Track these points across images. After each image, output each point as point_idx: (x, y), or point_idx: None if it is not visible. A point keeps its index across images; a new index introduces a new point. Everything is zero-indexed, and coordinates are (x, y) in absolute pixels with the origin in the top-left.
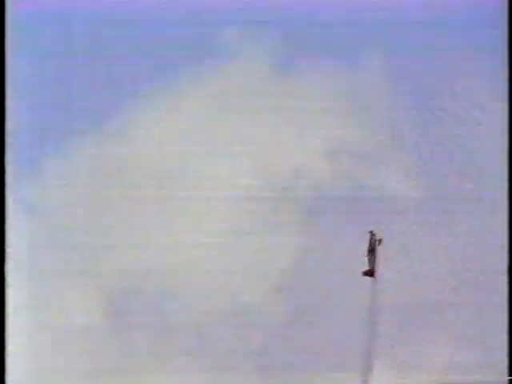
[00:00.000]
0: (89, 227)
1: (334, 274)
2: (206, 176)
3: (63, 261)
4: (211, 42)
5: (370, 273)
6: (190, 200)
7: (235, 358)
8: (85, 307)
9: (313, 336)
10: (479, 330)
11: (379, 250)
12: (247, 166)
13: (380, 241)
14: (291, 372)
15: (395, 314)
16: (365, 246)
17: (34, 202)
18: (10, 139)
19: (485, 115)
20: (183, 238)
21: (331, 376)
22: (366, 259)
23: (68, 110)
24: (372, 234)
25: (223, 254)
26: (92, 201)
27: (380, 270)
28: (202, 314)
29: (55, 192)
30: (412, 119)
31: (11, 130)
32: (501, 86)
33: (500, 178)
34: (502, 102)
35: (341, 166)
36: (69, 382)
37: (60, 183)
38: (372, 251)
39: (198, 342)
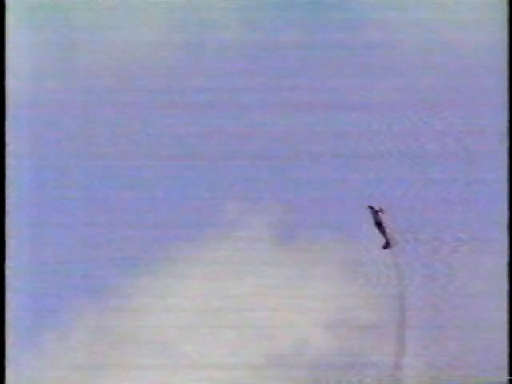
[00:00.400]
0: None
1: None
2: (205, 346)
3: None
4: (212, 213)
5: (387, 245)
6: (191, 367)
7: None
8: None
9: None
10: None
11: (384, 217)
12: (248, 337)
13: (382, 210)
14: None
15: None
16: None
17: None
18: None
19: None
20: None
21: None
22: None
23: (66, 281)
24: (371, 208)
25: None
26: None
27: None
28: None
29: (54, 364)
30: (415, 289)
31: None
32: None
33: None
34: None
35: (343, 340)
36: None
37: (59, 356)
38: (379, 224)
39: None
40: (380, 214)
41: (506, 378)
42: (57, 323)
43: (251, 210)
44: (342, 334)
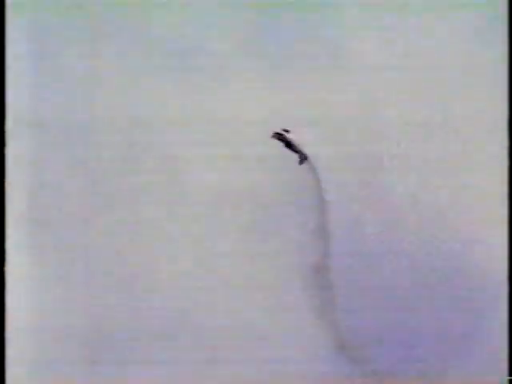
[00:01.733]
0: None
1: None
2: None
3: None
4: None
5: (303, 158)
6: None
7: None
8: None
9: None
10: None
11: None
12: None
13: (287, 130)
14: None
15: None
16: None
17: None
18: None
19: None
20: None
21: None
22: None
23: None
24: (277, 133)
25: None
26: None
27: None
28: None
29: None
30: None
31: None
32: None
33: None
34: None
35: None
36: None
37: None
38: (288, 144)
39: None
40: (286, 134)
41: (506, 378)
42: None
43: None
44: None
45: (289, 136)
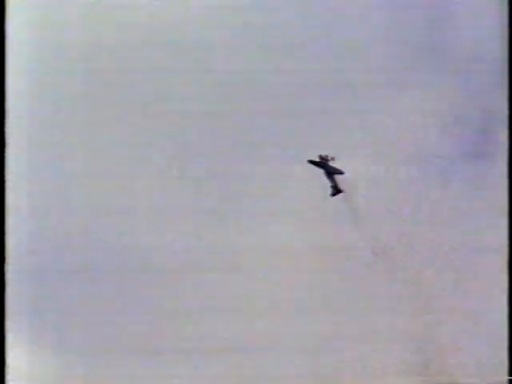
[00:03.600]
0: None
1: None
2: None
3: None
4: None
5: (337, 191)
6: None
7: None
8: None
9: None
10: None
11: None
12: None
13: (333, 159)
14: None
15: None
16: None
17: None
18: None
19: None
20: None
21: None
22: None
23: None
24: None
25: None
26: None
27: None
28: None
29: None
30: None
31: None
32: None
33: None
34: None
35: None
36: None
37: None
38: (329, 173)
39: None
40: (330, 162)
41: (505, 378)
42: None
43: None
44: None
45: (330, 165)
